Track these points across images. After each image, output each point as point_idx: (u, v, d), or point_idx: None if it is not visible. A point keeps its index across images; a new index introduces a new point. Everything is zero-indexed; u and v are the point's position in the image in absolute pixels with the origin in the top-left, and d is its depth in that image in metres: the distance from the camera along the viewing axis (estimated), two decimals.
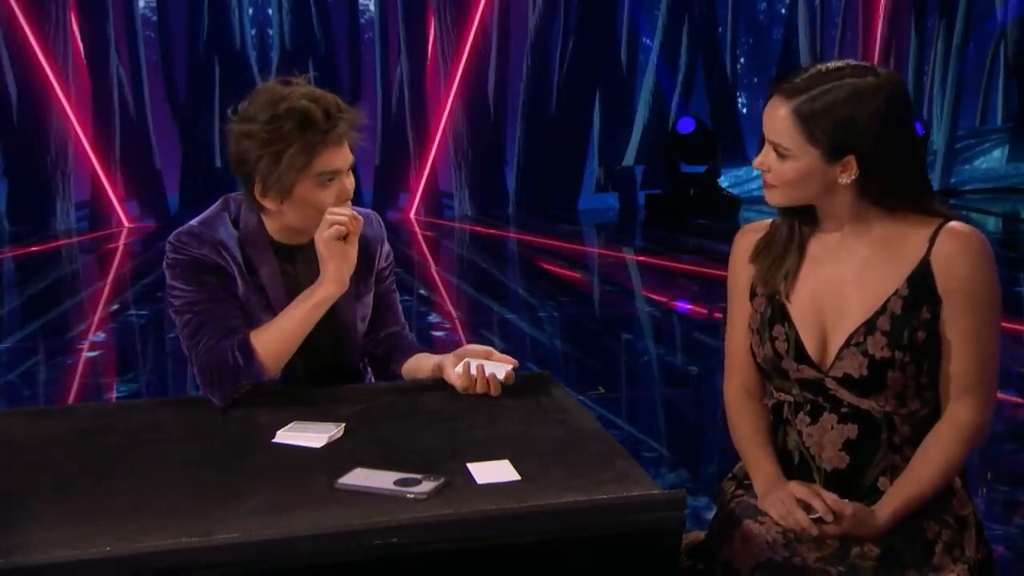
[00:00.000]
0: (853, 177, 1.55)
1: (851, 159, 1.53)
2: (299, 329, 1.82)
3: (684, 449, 3.63)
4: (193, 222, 1.90)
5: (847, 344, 1.58)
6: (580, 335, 5.11)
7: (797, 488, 1.56)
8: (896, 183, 1.55)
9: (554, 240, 7.69)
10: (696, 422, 3.84)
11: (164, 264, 1.88)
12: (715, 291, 5.96)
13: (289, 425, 1.63)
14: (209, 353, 1.79)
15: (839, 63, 1.56)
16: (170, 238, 1.89)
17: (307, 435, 1.59)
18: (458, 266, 7.24)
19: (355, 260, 1.83)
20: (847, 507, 1.53)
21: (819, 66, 1.56)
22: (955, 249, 1.54)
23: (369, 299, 2.00)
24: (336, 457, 1.52)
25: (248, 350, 1.78)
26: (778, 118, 1.55)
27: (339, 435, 1.61)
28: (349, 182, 1.86)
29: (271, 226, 1.90)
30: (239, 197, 1.91)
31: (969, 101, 9.57)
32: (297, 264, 1.92)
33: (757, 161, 1.60)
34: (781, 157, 1.56)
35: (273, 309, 1.87)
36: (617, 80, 9.12)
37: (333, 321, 1.93)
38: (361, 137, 1.87)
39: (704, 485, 3.12)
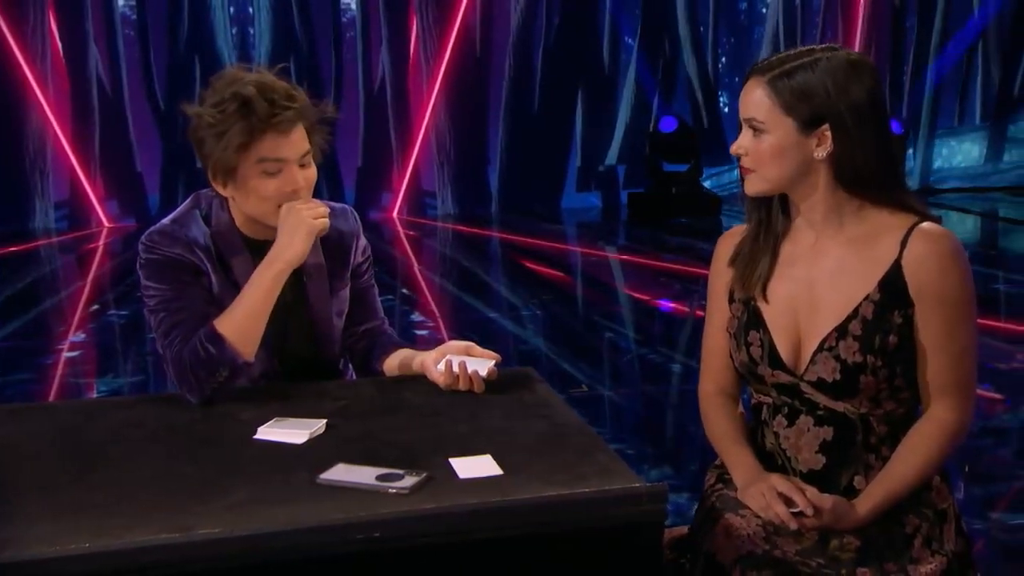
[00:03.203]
0: (829, 150, 1.56)
1: (826, 129, 1.55)
2: (263, 303, 1.80)
3: (666, 446, 3.65)
4: (165, 221, 1.89)
5: (820, 349, 1.59)
6: (563, 333, 5.12)
7: (778, 481, 1.57)
8: (869, 162, 1.56)
9: (537, 239, 7.70)
10: (678, 419, 3.86)
11: (138, 264, 1.87)
12: (697, 289, 5.99)
13: (270, 421, 1.63)
14: (181, 351, 1.78)
15: (808, 46, 1.61)
16: (142, 238, 1.88)
17: (288, 431, 1.59)
18: (441, 265, 7.23)
19: (312, 232, 1.81)
20: (826, 501, 1.54)
21: (790, 50, 1.60)
22: (926, 252, 1.55)
23: (345, 294, 1.99)
24: (318, 452, 1.52)
25: (216, 336, 1.77)
26: (753, 94, 1.58)
27: (320, 431, 1.61)
28: (304, 176, 1.83)
29: (239, 219, 1.89)
30: (210, 194, 1.91)
31: (948, 100, 9.66)
32: None
33: (734, 146, 1.61)
34: (757, 134, 1.58)
35: None
36: (599, 79, 9.15)
37: (308, 317, 1.93)
38: (326, 132, 1.86)
39: (687, 481, 3.13)
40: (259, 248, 1.89)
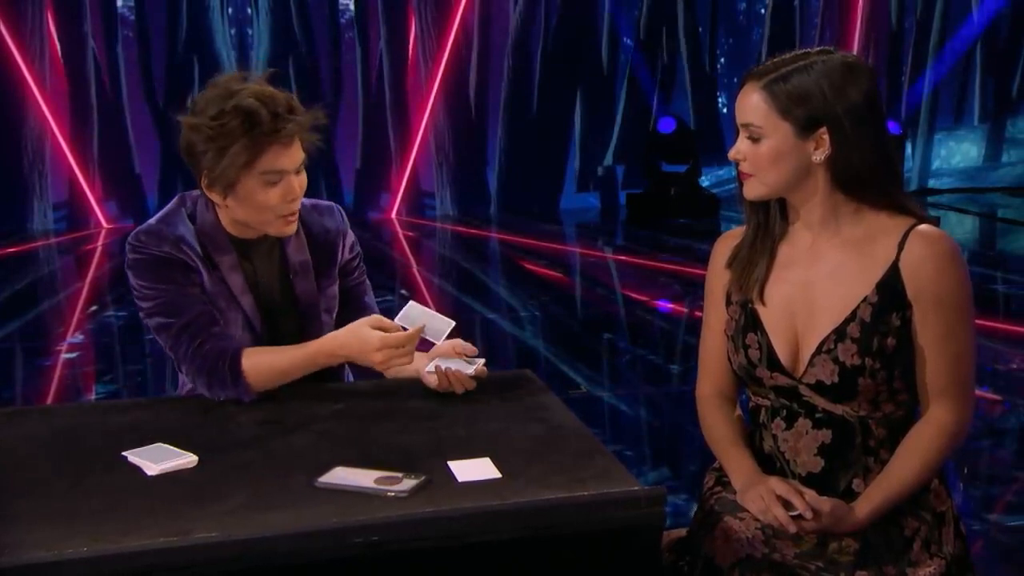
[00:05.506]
0: (827, 152, 1.56)
1: (823, 132, 1.55)
2: (297, 371, 1.80)
3: (665, 447, 3.65)
4: (151, 220, 1.90)
5: (818, 351, 1.59)
6: (561, 334, 5.12)
7: (777, 484, 1.57)
8: (867, 164, 1.56)
9: (536, 240, 7.70)
10: (677, 420, 3.86)
11: (126, 265, 1.86)
12: (696, 290, 5.98)
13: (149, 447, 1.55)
14: (198, 357, 1.78)
15: (803, 49, 1.61)
16: (129, 239, 1.87)
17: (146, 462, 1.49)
18: (440, 266, 7.23)
19: (369, 364, 1.79)
20: (825, 504, 1.54)
21: (784, 54, 1.60)
22: (924, 254, 1.55)
23: (334, 291, 1.99)
24: (316, 456, 1.52)
25: (238, 367, 1.77)
26: (749, 99, 1.58)
27: (187, 466, 1.50)
28: (298, 182, 1.83)
29: (225, 219, 1.89)
30: (195, 195, 1.90)
31: (946, 100, 9.66)
32: (254, 259, 1.92)
33: (732, 151, 1.61)
34: (755, 140, 1.58)
35: (238, 301, 1.87)
36: (598, 80, 9.14)
37: (297, 315, 1.93)
38: (318, 138, 1.85)
39: (686, 483, 3.13)
40: (244, 247, 1.90)
